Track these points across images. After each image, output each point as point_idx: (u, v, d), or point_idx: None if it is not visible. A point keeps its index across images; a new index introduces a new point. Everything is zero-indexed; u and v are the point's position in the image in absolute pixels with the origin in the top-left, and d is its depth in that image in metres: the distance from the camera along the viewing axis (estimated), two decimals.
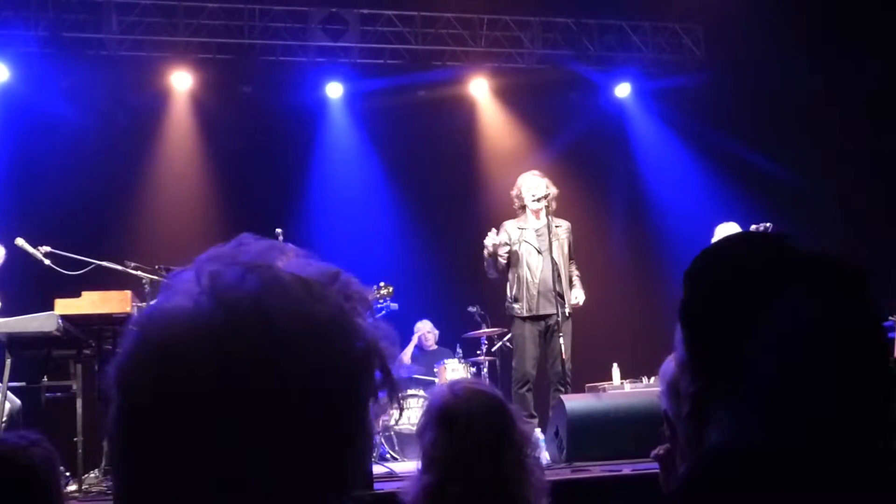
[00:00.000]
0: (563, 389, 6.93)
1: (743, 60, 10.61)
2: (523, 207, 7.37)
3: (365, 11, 10.52)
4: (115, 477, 0.88)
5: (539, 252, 7.22)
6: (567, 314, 7.11)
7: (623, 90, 11.34)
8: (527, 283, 7.20)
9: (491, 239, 7.24)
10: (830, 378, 1.10)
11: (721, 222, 7.60)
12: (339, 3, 10.40)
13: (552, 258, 7.12)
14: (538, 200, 7.24)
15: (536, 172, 7.51)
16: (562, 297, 7.08)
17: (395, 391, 0.90)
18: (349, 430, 0.86)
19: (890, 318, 7.18)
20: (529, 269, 7.22)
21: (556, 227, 7.27)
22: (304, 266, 0.90)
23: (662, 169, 11.32)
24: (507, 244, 7.32)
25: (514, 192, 7.46)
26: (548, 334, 7.19)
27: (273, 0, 10.27)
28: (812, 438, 1.08)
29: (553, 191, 7.33)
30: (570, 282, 7.32)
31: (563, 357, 6.93)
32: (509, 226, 7.39)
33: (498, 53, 10.96)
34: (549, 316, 7.16)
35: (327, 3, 10.39)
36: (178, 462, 0.81)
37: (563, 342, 6.93)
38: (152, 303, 0.89)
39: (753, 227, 7.27)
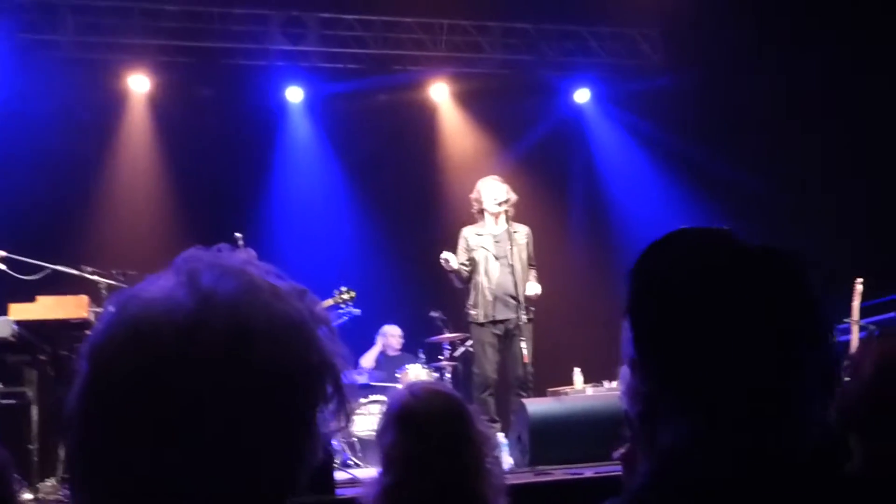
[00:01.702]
0: (524, 394, 6.95)
1: (700, 65, 10.72)
2: (482, 212, 7.41)
3: (325, 15, 10.49)
4: (71, 455, 0.90)
5: (497, 258, 7.25)
6: (527, 319, 7.11)
7: (582, 95, 11.42)
8: (483, 288, 7.24)
9: (452, 262, 7.25)
10: (780, 373, 1.10)
11: (680, 227, 7.65)
12: (299, 6, 10.36)
13: (511, 264, 7.12)
14: (499, 205, 7.25)
15: (497, 177, 7.53)
16: (520, 301, 7.08)
17: (343, 404, 0.95)
18: (295, 433, 0.90)
19: (844, 320, 7.30)
20: (487, 275, 7.26)
21: (515, 232, 7.28)
22: (277, 279, 0.96)
23: (622, 173, 11.41)
24: (466, 250, 7.34)
25: (473, 196, 7.48)
26: (507, 339, 7.21)
27: (233, 3, 10.19)
28: (764, 438, 1.08)
29: (512, 196, 7.36)
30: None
31: (525, 361, 6.95)
32: (467, 232, 7.43)
33: (458, 58, 10.98)
34: (507, 320, 7.19)
35: (287, 7, 10.35)
36: (136, 443, 0.85)
37: (523, 346, 6.94)
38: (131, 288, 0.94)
39: None
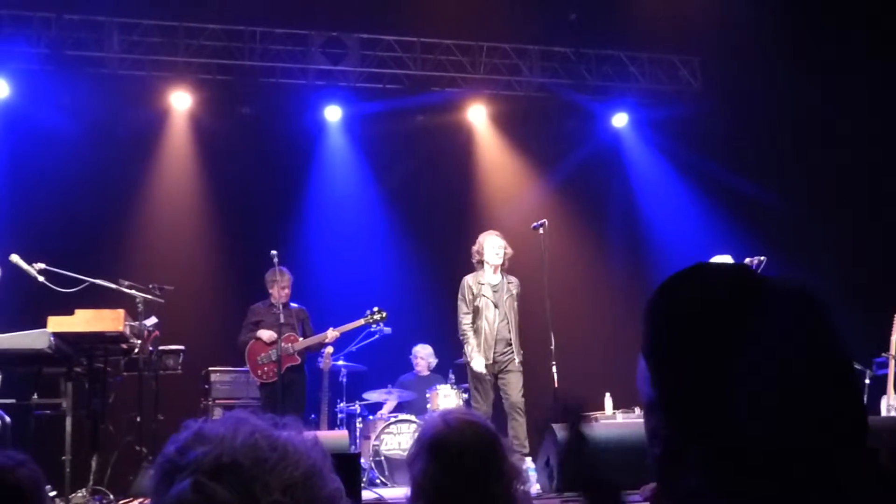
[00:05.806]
0: (520, 420, 7.47)
1: (739, 91, 10.67)
2: (481, 262, 7.96)
3: (365, 36, 10.58)
4: None
5: (496, 306, 7.82)
6: (519, 361, 7.70)
7: (620, 120, 11.40)
8: (485, 334, 7.78)
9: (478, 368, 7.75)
10: (806, 412, 1.06)
11: (716, 254, 7.61)
12: (339, 27, 10.46)
13: (506, 312, 7.77)
14: (498, 255, 7.81)
15: (497, 233, 8.07)
16: (514, 346, 7.70)
17: None
18: None
19: (883, 354, 7.20)
20: (487, 321, 7.80)
21: (509, 283, 7.89)
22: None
23: (658, 198, 11.35)
24: (471, 298, 7.86)
25: (475, 248, 8.01)
26: (502, 374, 7.74)
27: (274, 23, 10.31)
28: (793, 476, 1.05)
29: (510, 251, 7.92)
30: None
31: (520, 388, 7.58)
32: (471, 281, 7.96)
33: (496, 80, 11.01)
34: (501, 362, 7.75)
35: (328, 27, 10.44)
36: None
37: (519, 378, 7.59)
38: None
39: (748, 260, 7.29)
